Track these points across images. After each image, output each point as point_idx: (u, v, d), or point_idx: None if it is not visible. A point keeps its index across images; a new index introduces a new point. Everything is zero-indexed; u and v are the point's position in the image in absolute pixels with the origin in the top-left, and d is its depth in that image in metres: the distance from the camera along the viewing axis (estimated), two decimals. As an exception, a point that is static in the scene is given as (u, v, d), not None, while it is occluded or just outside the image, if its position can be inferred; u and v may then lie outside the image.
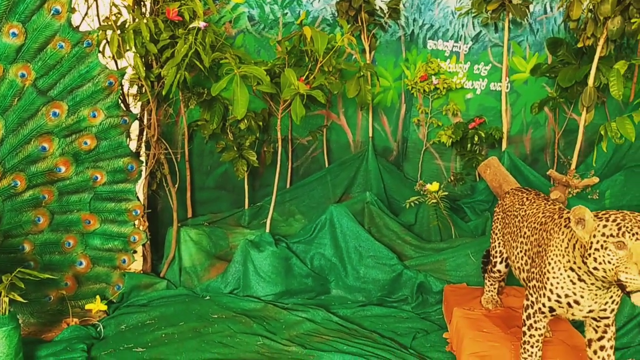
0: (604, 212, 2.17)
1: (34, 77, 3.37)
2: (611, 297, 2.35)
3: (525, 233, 2.79)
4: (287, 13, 4.69)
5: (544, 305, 2.48)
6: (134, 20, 3.80)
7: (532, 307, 2.55)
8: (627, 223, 2.04)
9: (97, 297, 3.69)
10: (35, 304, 3.57)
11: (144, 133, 4.24)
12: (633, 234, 2.01)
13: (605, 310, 2.38)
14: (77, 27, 3.55)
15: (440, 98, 4.90)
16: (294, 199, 4.78)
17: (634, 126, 3.37)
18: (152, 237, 4.20)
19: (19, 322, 2.95)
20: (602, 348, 2.45)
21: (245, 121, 4.37)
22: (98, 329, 3.50)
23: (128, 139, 3.91)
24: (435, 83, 4.79)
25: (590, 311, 2.38)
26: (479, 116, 4.86)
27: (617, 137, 3.42)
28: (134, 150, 4.04)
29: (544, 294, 2.45)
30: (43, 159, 3.48)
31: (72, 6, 3.46)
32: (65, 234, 3.68)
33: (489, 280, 3.41)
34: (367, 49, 4.75)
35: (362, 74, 4.17)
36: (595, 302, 2.35)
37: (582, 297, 2.34)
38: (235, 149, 4.45)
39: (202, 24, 3.65)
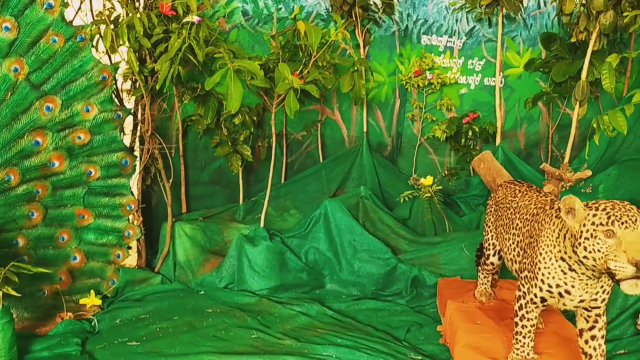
0: (593, 201, 2.19)
1: (27, 72, 3.37)
2: (602, 286, 2.37)
3: (517, 224, 2.81)
4: (281, 8, 4.69)
5: (535, 295, 2.49)
6: (127, 14, 3.79)
7: (524, 298, 2.57)
8: (617, 212, 2.06)
9: (92, 291, 3.69)
10: (29, 299, 3.57)
11: (138, 128, 4.23)
12: (622, 223, 2.02)
13: (596, 300, 2.39)
14: (71, 21, 3.55)
15: (434, 93, 4.90)
16: (289, 194, 4.78)
17: (626, 119, 3.39)
18: (147, 232, 4.20)
19: (12, 316, 2.95)
20: (593, 338, 2.46)
21: (240, 116, 4.37)
22: (92, 324, 3.50)
23: (122, 134, 3.91)
24: (430, 78, 4.80)
25: (581, 301, 2.40)
26: (473, 111, 4.87)
27: (610, 130, 3.44)
28: (128, 145, 4.04)
29: (536, 284, 2.47)
30: (36, 153, 3.48)
31: (65, 0, 3.46)
32: (59, 229, 3.68)
33: (482, 273, 3.43)
34: (361, 44, 4.75)
35: (356, 68, 4.18)
36: (586, 292, 2.37)
37: (573, 287, 2.36)
38: (230, 144, 4.45)
39: (195, 19, 3.64)
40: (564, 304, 2.44)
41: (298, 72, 3.86)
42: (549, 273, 2.39)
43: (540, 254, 2.43)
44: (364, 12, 4.68)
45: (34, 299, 3.61)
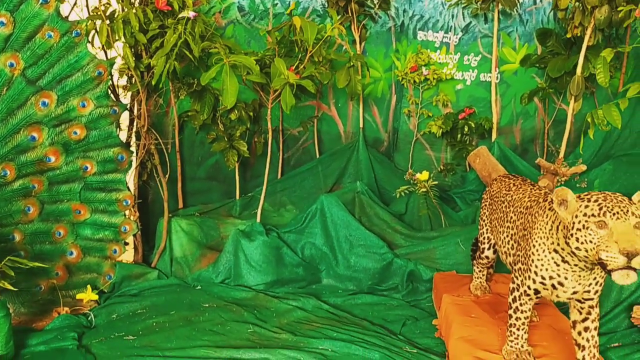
0: (585, 193, 2.20)
1: (22, 67, 3.37)
2: (595, 278, 2.38)
3: (511, 218, 2.82)
4: (277, 3, 4.70)
5: (529, 287, 2.50)
6: (123, 10, 3.79)
7: (518, 290, 2.58)
8: (608, 203, 2.07)
9: (88, 286, 3.70)
10: (26, 294, 3.57)
11: (134, 123, 4.24)
12: (614, 214, 2.04)
13: (589, 291, 2.41)
14: (66, 16, 3.55)
15: (430, 89, 4.92)
16: (285, 190, 4.79)
17: (620, 113, 3.40)
18: (143, 227, 4.20)
19: (9, 311, 2.95)
20: (586, 329, 2.48)
21: (236, 111, 4.38)
22: (89, 318, 3.51)
23: (118, 129, 3.91)
24: (426, 74, 4.81)
25: (575, 292, 2.41)
26: (469, 107, 4.89)
27: (604, 124, 3.44)
28: (124, 141, 4.04)
29: (529, 276, 2.48)
30: (32, 148, 3.48)
31: (60, -5, 3.46)
32: (55, 224, 3.68)
33: (477, 267, 3.44)
34: (358, 39, 4.76)
35: (352, 64, 4.18)
36: (579, 284, 2.38)
37: (566, 278, 2.37)
38: (226, 139, 4.45)
39: (191, 14, 3.65)
40: (557, 296, 2.46)
41: (294, 67, 3.87)
42: (542, 265, 2.41)
43: (534, 245, 2.44)
44: (360, 7, 4.69)
45: (31, 294, 3.61)
